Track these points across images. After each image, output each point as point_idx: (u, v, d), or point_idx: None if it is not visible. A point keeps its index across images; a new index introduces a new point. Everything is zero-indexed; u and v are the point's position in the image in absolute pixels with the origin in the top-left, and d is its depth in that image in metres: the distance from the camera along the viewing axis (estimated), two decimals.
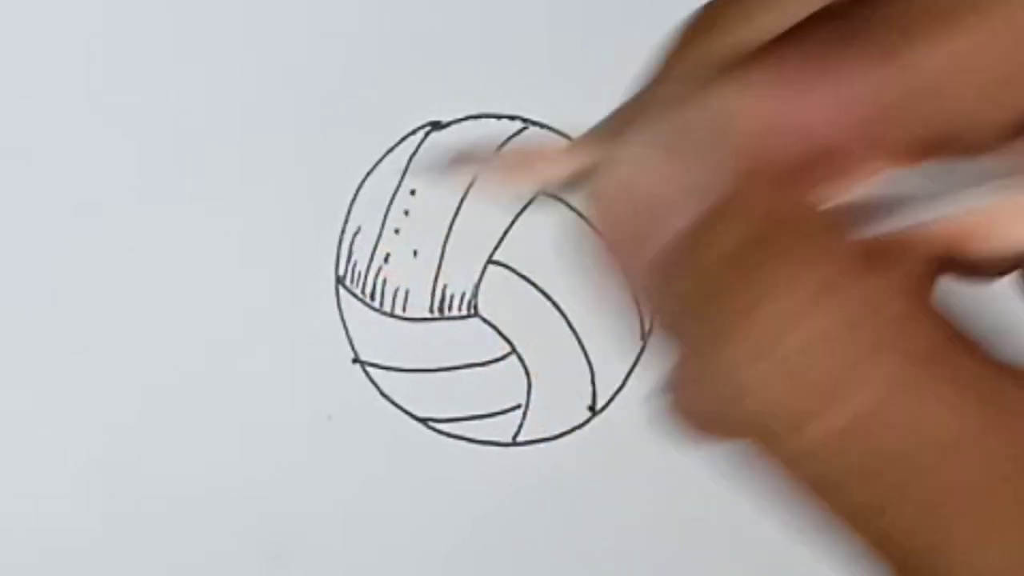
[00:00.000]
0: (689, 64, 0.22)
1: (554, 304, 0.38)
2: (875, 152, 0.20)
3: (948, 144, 0.20)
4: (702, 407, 0.20)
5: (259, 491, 0.37)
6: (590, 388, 0.38)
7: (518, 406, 0.38)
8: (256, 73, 0.37)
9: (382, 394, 0.37)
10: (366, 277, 0.37)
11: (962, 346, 0.19)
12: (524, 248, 0.38)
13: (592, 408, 0.38)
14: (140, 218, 0.36)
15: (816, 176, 0.20)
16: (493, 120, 0.38)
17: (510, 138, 0.38)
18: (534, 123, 0.38)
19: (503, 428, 0.38)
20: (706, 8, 0.23)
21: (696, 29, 0.22)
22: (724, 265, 0.20)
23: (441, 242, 0.38)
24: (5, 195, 0.36)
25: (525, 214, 0.38)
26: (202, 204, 0.37)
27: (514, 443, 0.38)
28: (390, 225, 0.38)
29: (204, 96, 0.36)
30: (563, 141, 0.23)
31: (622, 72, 0.39)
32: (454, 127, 0.38)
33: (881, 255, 0.19)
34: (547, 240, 0.38)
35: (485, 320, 0.38)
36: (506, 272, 0.38)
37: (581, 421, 0.38)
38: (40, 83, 0.36)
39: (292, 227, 0.37)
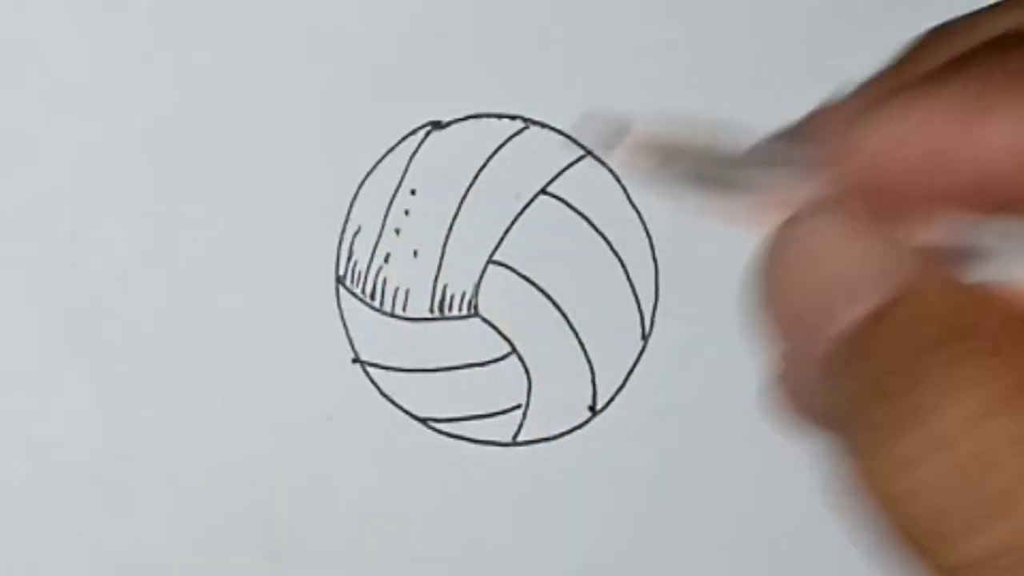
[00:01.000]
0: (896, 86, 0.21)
1: (554, 304, 0.38)
2: None
3: None
4: (862, 506, 0.19)
5: (259, 491, 0.37)
6: (590, 388, 0.38)
7: (518, 406, 0.38)
8: (256, 73, 0.37)
9: (382, 394, 0.37)
10: (366, 277, 0.37)
11: None
12: (524, 248, 0.38)
13: (592, 408, 0.38)
14: (140, 218, 0.36)
15: (987, 206, 0.19)
16: (494, 120, 0.38)
17: (510, 138, 0.38)
18: (535, 123, 0.38)
19: (503, 428, 0.38)
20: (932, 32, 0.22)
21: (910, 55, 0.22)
22: (905, 358, 0.19)
23: (441, 242, 0.38)
24: (5, 195, 0.36)
25: (525, 214, 0.38)
26: (202, 204, 0.37)
27: (514, 443, 0.38)
28: (390, 225, 0.38)
29: (204, 96, 0.36)
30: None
31: (622, 72, 0.40)
32: (454, 127, 0.38)
33: None
34: (548, 240, 0.38)
35: (485, 320, 0.38)
36: (506, 272, 0.38)
37: (581, 421, 0.38)
38: (40, 83, 0.36)
39: (292, 227, 0.37)
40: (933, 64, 0.20)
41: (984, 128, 0.19)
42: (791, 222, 0.20)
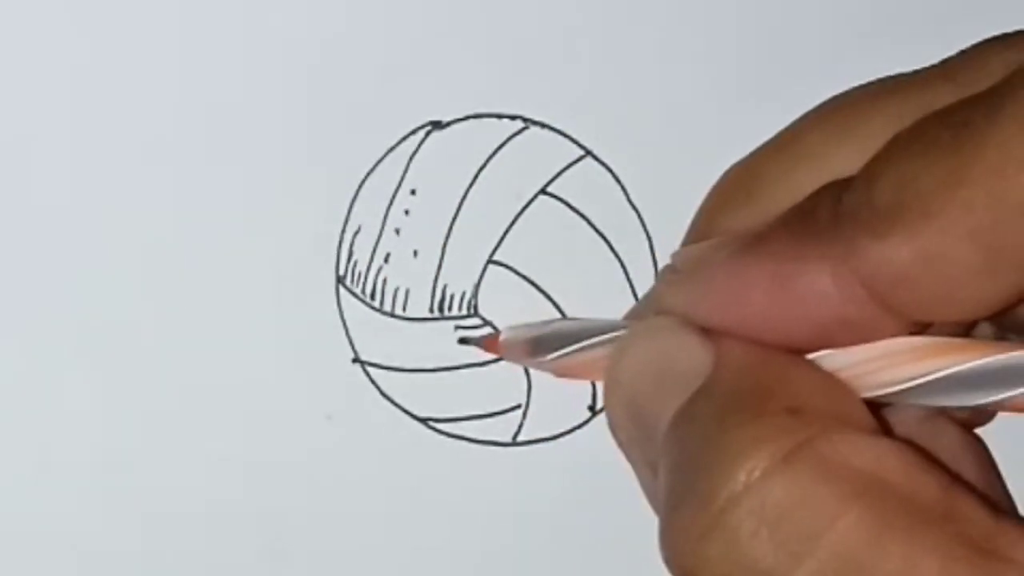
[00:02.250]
0: (717, 229, 0.24)
1: (554, 304, 0.38)
2: (884, 320, 0.21)
3: (943, 316, 0.21)
4: None
5: (259, 491, 0.37)
6: (590, 388, 0.38)
7: (518, 406, 0.38)
8: (256, 73, 0.37)
9: (382, 394, 0.37)
10: (366, 277, 0.37)
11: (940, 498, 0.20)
12: (525, 248, 0.38)
13: (592, 408, 0.38)
14: (139, 218, 0.36)
15: (829, 341, 0.21)
16: (494, 120, 0.38)
17: (510, 138, 0.38)
18: (535, 123, 0.38)
19: (503, 428, 0.38)
20: (729, 174, 0.25)
21: (719, 196, 0.25)
22: (703, 433, 0.21)
23: (441, 242, 0.38)
24: (5, 195, 0.36)
25: (526, 214, 0.38)
26: (202, 203, 0.37)
27: (514, 443, 0.38)
28: (390, 225, 0.38)
29: (204, 96, 0.36)
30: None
31: (623, 72, 0.40)
32: (455, 127, 0.38)
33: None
34: (548, 240, 0.38)
35: (485, 320, 0.38)
36: (506, 272, 0.38)
37: (581, 421, 0.38)
38: (40, 83, 0.36)
39: (292, 227, 0.37)
40: (755, 207, 0.23)
41: (799, 283, 0.21)
42: (633, 335, 0.23)
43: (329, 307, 0.37)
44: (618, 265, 0.38)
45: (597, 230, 0.38)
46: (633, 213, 0.38)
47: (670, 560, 0.21)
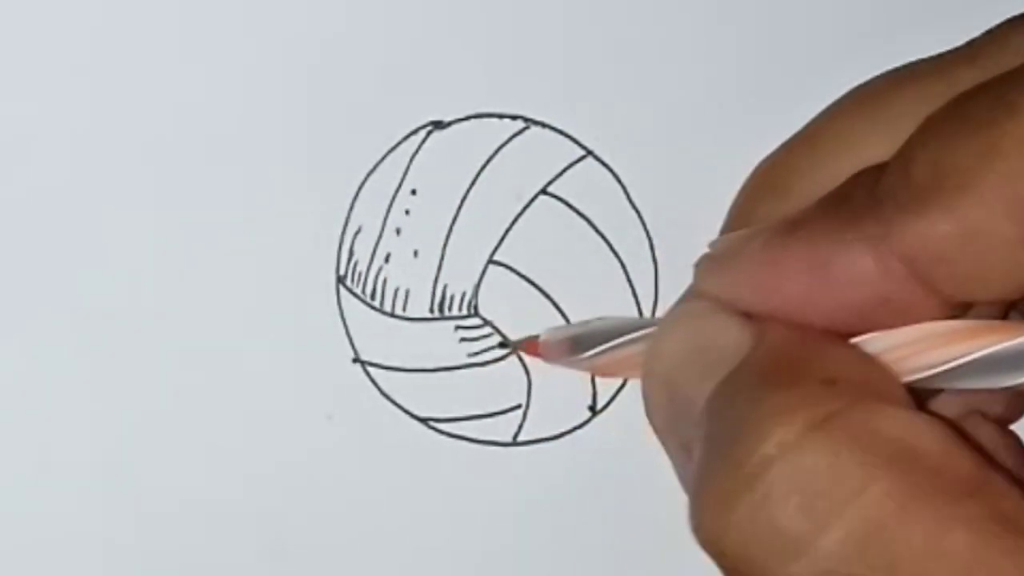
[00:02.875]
0: (754, 219, 0.24)
1: (554, 304, 0.38)
2: (924, 300, 0.21)
3: (983, 293, 0.21)
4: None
5: (259, 491, 0.37)
6: (590, 388, 0.38)
7: (518, 406, 0.38)
8: (257, 73, 0.37)
9: (382, 394, 0.37)
10: (367, 277, 0.37)
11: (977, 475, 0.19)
12: (525, 248, 0.38)
13: (592, 408, 0.38)
14: (139, 217, 0.36)
15: (869, 324, 0.21)
16: (495, 120, 0.38)
17: (511, 138, 0.38)
18: (536, 123, 0.38)
19: (503, 428, 0.38)
20: (765, 164, 0.25)
21: (754, 186, 0.25)
22: (727, 410, 0.21)
23: (442, 242, 0.38)
24: (5, 195, 0.36)
25: (526, 214, 0.38)
26: (202, 203, 0.37)
27: (514, 443, 0.38)
28: (391, 225, 0.38)
29: (204, 95, 0.36)
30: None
31: (624, 72, 0.40)
32: (455, 126, 0.38)
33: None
34: (548, 240, 0.38)
35: (485, 320, 0.38)
36: (507, 272, 0.38)
37: (581, 421, 0.38)
38: (40, 82, 0.36)
39: (292, 227, 0.37)
40: (792, 199, 0.23)
41: (839, 264, 0.22)
42: (671, 318, 0.23)
43: (329, 307, 0.37)
44: (618, 265, 0.38)
45: (598, 230, 0.38)
46: (633, 213, 0.38)
47: (698, 528, 0.21)
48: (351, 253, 0.37)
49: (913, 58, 0.26)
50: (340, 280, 0.37)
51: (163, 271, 0.36)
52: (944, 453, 0.20)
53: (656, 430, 0.24)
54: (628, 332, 0.26)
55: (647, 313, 0.38)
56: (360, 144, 0.37)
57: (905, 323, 0.22)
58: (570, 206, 0.38)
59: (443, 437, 0.37)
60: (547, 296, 0.38)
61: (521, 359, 0.38)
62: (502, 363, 0.38)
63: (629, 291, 0.38)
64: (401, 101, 0.37)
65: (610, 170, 0.38)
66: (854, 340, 0.23)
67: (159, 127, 0.36)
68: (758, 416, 0.20)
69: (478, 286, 0.38)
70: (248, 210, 0.37)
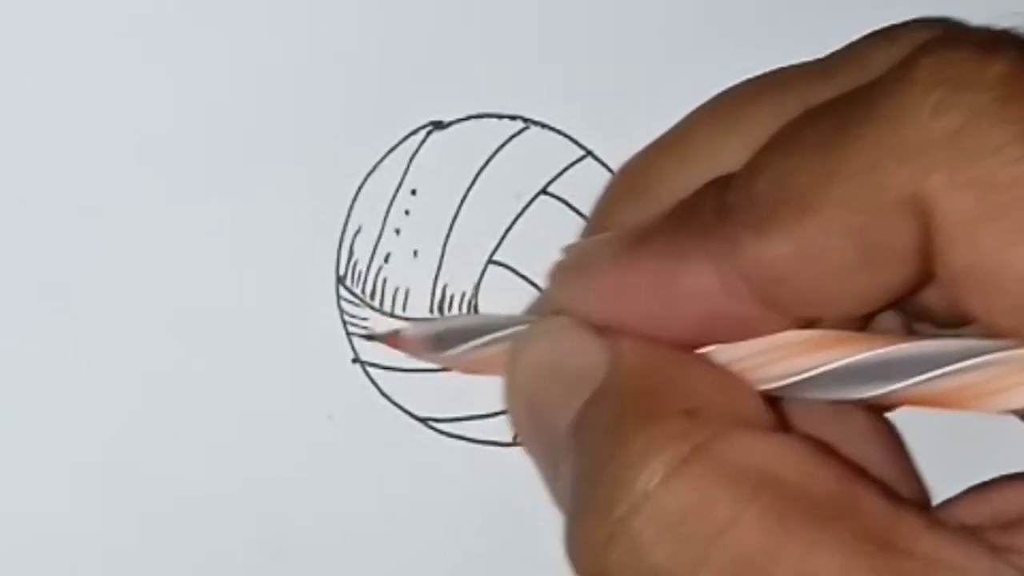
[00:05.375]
0: (609, 225, 0.24)
1: None
2: (768, 318, 0.21)
3: (825, 312, 0.21)
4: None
5: (259, 491, 0.37)
6: None
7: None
8: (256, 73, 0.37)
9: (382, 394, 0.37)
10: (366, 277, 0.37)
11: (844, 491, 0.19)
12: (525, 248, 0.38)
13: None
14: (139, 218, 0.36)
15: (717, 339, 0.21)
16: (495, 120, 0.38)
17: (511, 138, 0.38)
18: (535, 123, 0.38)
19: (503, 428, 0.37)
20: (623, 171, 0.25)
21: (611, 193, 0.25)
22: (601, 440, 0.21)
23: (442, 242, 0.38)
24: (5, 195, 0.36)
25: (526, 214, 0.38)
26: (202, 204, 0.37)
27: (514, 443, 0.38)
28: (391, 225, 0.38)
29: (204, 95, 0.36)
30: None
31: (624, 72, 0.40)
32: (455, 127, 0.38)
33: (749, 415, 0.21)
34: (548, 240, 0.38)
35: None
36: (507, 272, 0.38)
37: None
38: (40, 82, 0.36)
39: (292, 227, 0.37)
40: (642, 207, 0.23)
41: (683, 280, 0.21)
42: (529, 334, 0.23)
43: (329, 307, 0.37)
44: None
45: None
46: None
47: (575, 567, 0.21)
48: (351, 253, 0.37)
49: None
50: (340, 280, 0.37)
51: (163, 271, 0.36)
52: (806, 475, 0.20)
53: (520, 440, 0.24)
54: (494, 330, 0.26)
55: None
56: (360, 144, 0.37)
57: (752, 337, 0.22)
58: (570, 206, 0.38)
59: (443, 437, 0.37)
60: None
61: None
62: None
63: None
64: (401, 101, 0.37)
65: (610, 170, 0.38)
66: (708, 349, 0.22)
67: (159, 127, 0.36)
68: (621, 456, 0.20)
69: (478, 286, 0.38)
70: (248, 210, 0.37)
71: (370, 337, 0.37)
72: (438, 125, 0.38)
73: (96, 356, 0.36)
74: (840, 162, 0.20)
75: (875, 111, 0.20)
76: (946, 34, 0.21)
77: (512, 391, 0.24)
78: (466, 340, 0.26)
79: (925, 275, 0.20)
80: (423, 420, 0.37)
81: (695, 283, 0.21)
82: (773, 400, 0.22)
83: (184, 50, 0.36)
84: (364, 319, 0.37)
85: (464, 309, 0.38)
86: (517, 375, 0.24)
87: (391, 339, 0.29)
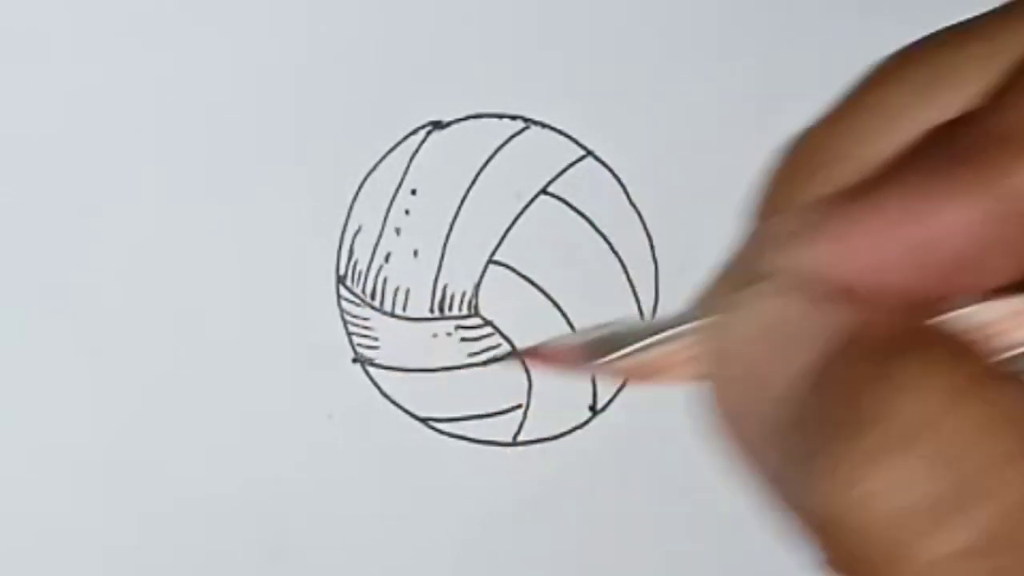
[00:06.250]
0: (798, 198, 0.22)
1: (554, 304, 0.38)
2: (1010, 261, 0.19)
3: None
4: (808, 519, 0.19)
5: (259, 491, 0.37)
6: (590, 388, 0.38)
7: (518, 406, 0.38)
8: (256, 73, 0.37)
9: (382, 394, 0.37)
10: (367, 276, 0.37)
11: None
12: (525, 248, 0.38)
13: (592, 408, 0.38)
14: (140, 218, 0.36)
15: (955, 289, 0.20)
16: (495, 120, 0.38)
17: (511, 138, 0.38)
18: (535, 123, 0.38)
19: (503, 428, 0.38)
20: (802, 140, 0.23)
21: (795, 163, 0.23)
22: (851, 379, 0.19)
23: (442, 242, 0.38)
24: (5, 195, 0.36)
25: (526, 214, 0.38)
26: (202, 204, 0.37)
27: (514, 443, 0.38)
28: (391, 224, 0.38)
29: (204, 96, 0.36)
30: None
31: (624, 72, 0.40)
32: (455, 126, 0.38)
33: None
34: (548, 240, 0.38)
35: (486, 320, 0.38)
36: (507, 272, 0.38)
37: (581, 421, 0.38)
38: (40, 82, 0.36)
39: (292, 227, 0.37)
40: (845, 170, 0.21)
41: (938, 220, 0.20)
42: (742, 301, 0.21)
43: (329, 307, 0.37)
44: (618, 265, 0.38)
45: (598, 230, 0.38)
46: (634, 213, 0.38)
47: (823, 508, 0.19)
48: (351, 253, 0.37)
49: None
50: (340, 280, 0.37)
51: (164, 271, 0.36)
52: None
53: (720, 425, 0.22)
54: (660, 331, 0.24)
55: (647, 315, 0.38)
56: (360, 144, 0.37)
57: (1000, 281, 0.21)
58: (570, 206, 0.38)
59: (443, 437, 0.37)
60: (547, 296, 0.38)
61: (522, 359, 0.38)
62: (502, 363, 0.38)
63: (629, 291, 0.38)
64: (401, 101, 0.37)
65: (610, 170, 0.38)
66: (945, 318, 0.21)
67: (159, 127, 0.36)
68: (897, 377, 0.19)
69: (478, 286, 0.38)
70: (248, 210, 0.37)
71: (494, 360, 0.36)
72: (438, 125, 0.38)
73: (96, 356, 0.36)
74: None
75: None
76: None
77: (719, 361, 0.22)
78: (624, 345, 0.25)
79: None
80: (423, 420, 0.37)
81: (952, 219, 0.20)
82: None
83: (184, 50, 0.36)
84: (364, 319, 0.37)
85: (464, 309, 0.38)
86: (728, 342, 0.22)
87: (533, 354, 0.27)
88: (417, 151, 0.38)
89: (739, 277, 0.23)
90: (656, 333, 0.24)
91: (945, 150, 0.20)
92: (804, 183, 0.22)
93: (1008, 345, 0.21)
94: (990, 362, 0.19)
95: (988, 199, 0.19)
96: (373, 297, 0.37)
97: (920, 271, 0.20)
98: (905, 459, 0.18)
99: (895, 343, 0.19)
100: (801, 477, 0.19)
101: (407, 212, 0.38)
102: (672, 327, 0.24)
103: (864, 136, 0.22)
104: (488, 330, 0.38)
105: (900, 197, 0.20)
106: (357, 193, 0.37)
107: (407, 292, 0.38)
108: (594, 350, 0.25)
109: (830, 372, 0.20)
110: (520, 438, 0.38)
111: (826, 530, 0.19)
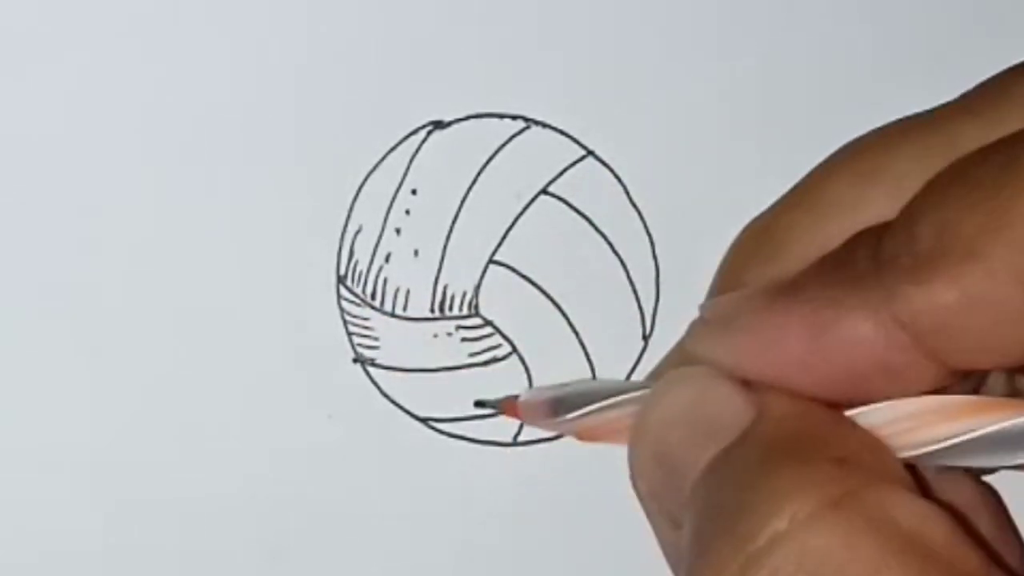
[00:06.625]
0: (741, 284, 0.23)
1: (555, 304, 0.38)
2: (924, 367, 0.20)
3: (987, 362, 0.20)
4: None
5: (259, 491, 0.37)
6: None
7: None
8: (256, 73, 0.37)
9: (382, 394, 0.37)
10: (367, 276, 0.37)
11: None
12: (526, 248, 0.38)
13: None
14: (140, 218, 0.36)
15: (866, 391, 0.21)
16: (495, 119, 0.38)
17: (512, 138, 0.38)
18: (536, 123, 0.38)
19: (503, 428, 0.38)
20: (754, 227, 0.25)
21: (742, 250, 0.24)
22: (737, 484, 0.20)
23: (442, 242, 0.38)
24: (5, 195, 0.36)
25: (526, 214, 0.38)
26: (202, 203, 0.37)
27: (514, 443, 0.38)
28: (391, 224, 0.38)
29: (204, 95, 0.36)
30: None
31: (624, 72, 0.40)
32: (456, 126, 0.38)
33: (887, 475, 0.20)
34: (549, 240, 0.38)
35: (486, 320, 0.38)
36: (507, 272, 0.38)
37: None
38: (40, 82, 0.36)
39: (292, 227, 0.37)
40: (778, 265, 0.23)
41: (839, 329, 0.21)
42: (667, 384, 0.23)
43: (329, 307, 0.37)
44: (619, 265, 0.38)
45: (598, 230, 0.38)
46: (634, 213, 0.38)
47: None
48: (351, 253, 0.37)
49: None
50: (340, 280, 0.37)
51: (163, 271, 0.36)
52: (954, 547, 0.19)
53: (640, 497, 0.24)
54: (613, 395, 0.25)
55: (647, 315, 0.38)
56: (360, 144, 0.37)
57: (905, 390, 0.22)
58: (570, 206, 0.38)
59: (443, 437, 0.37)
60: (547, 296, 0.38)
61: (522, 359, 0.38)
62: (502, 363, 0.38)
63: (629, 291, 0.38)
64: (401, 101, 0.37)
65: (610, 170, 0.38)
66: (850, 413, 0.22)
67: (159, 127, 0.36)
68: (768, 490, 0.20)
69: (479, 286, 0.38)
70: (248, 210, 0.37)
71: (480, 404, 0.37)
72: (439, 125, 0.38)
73: (96, 356, 0.36)
74: (1006, 208, 0.20)
75: None
76: None
77: (641, 439, 0.24)
78: (585, 404, 0.26)
79: None
80: (423, 420, 0.37)
81: (852, 331, 0.21)
82: (909, 467, 0.22)
83: (184, 50, 0.36)
84: (365, 319, 0.37)
85: (465, 309, 0.38)
86: (649, 426, 0.24)
87: (508, 405, 0.29)
88: (418, 151, 0.38)
89: (678, 356, 0.25)
90: (609, 397, 0.25)
91: (851, 265, 0.21)
92: (747, 270, 0.24)
93: (915, 443, 0.22)
94: (876, 470, 0.20)
95: (882, 319, 0.20)
96: (373, 297, 0.37)
97: (824, 375, 0.21)
98: (768, 569, 0.19)
99: (786, 446, 0.20)
100: (683, 570, 0.21)
101: (407, 212, 0.38)
102: (624, 393, 0.25)
103: (809, 226, 0.23)
104: (488, 330, 0.38)
105: (809, 304, 0.21)
106: (357, 193, 0.37)
107: (407, 292, 0.38)
108: (554, 408, 0.27)
109: (723, 471, 0.21)
110: (520, 438, 0.38)
111: None
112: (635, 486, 0.24)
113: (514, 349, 0.38)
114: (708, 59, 0.38)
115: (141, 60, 0.36)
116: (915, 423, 0.22)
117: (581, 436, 0.26)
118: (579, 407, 0.26)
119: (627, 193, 0.38)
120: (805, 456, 0.20)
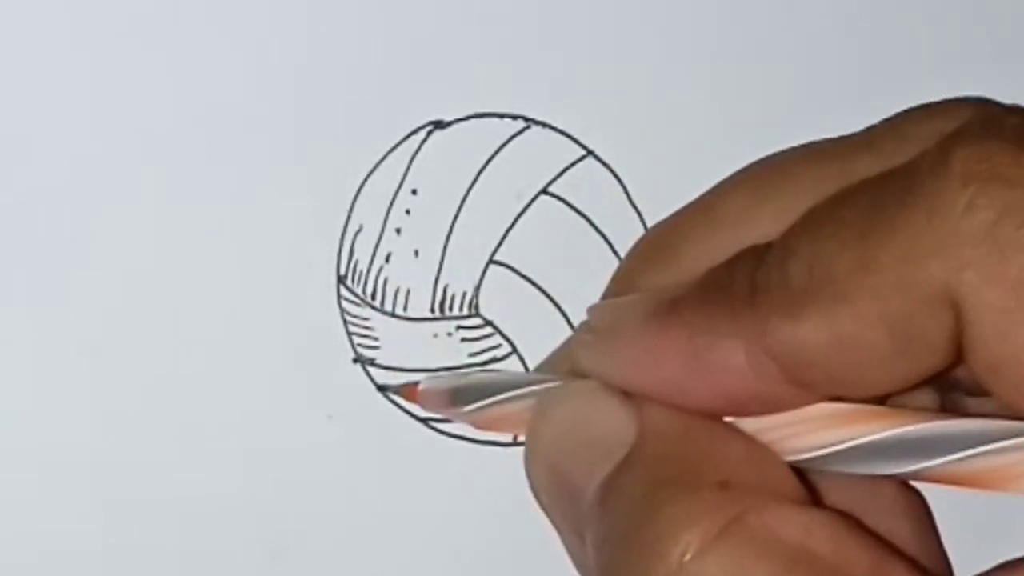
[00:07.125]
0: (633, 291, 0.24)
1: (555, 304, 0.38)
2: (796, 397, 0.21)
3: (856, 394, 0.21)
4: None
5: (259, 491, 0.37)
6: None
7: None
8: (256, 73, 0.37)
9: (383, 394, 0.37)
10: (367, 276, 0.37)
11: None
12: (525, 248, 0.38)
13: None
14: (140, 218, 0.36)
15: (744, 412, 0.22)
16: (496, 119, 0.38)
17: (512, 138, 0.38)
18: (536, 123, 0.38)
19: None
20: (651, 234, 0.25)
21: (639, 256, 0.25)
22: (633, 507, 0.21)
23: (442, 242, 0.38)
24: (5, 195, 0.36)
25: (526, 214, 0.38)
26: (202, 203, 0.37)
27: (515, 443, 0.38)
28: (392, 224, 0.38)
29: (204, 96, 0.36)
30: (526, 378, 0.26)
31: (624, 72, 0.40)
32: (456, 126, 0.38)
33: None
34: (548, 240, 0.38)
35: (486, 320, 0.38)
36: (507, 272, 0.38)
37: None
38: (41, 83, 0.36)
39: (293, 227, 0.37)
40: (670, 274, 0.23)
41: (712, 356, 0.21)
42: (554, 398, 0.23)
43: (330, 307, 0.37)
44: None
45: (598, 230, 0.38)
46: (634, 213, 0.38)
47: None
48: (351, 253, 0.37)
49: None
50: (341, 280, 0.37)
51: (164, 271, 0.36)
52: (840, 552, 0.20)
53: (542, 508, 0.24)
54: (510, 388, 0.26)
55: None
56: (360, 144, 0.37)
57: (779, 412, 0.22)
58: (570, 206, 0.38)
59: (443, 437, 0.37)
60: (547, 296, 0.38)
61: (522, 358, 0.38)
62: (502, 363, 0.38)
63: None
64: (401, 101, 0.37)
65: (610, 170, 0.38)
66: (733, 419, 0.22)
67: (159, 127, 0.36)
68: (655, 525, 0.20)
69: (479, 286, 0.38)
70: (249, 210, 0.37)
71: (383, 388, 0.37)
72: (439, 124, 0.38)
73: (96, 356, 0.36)
74: (875, 252, 0.20)
75: (911, 200, 0.20)
76: (984, 118, 0.21)
77: (535, 454, 0.24)
78: (483, 396, 0.26)
79: (957, 359, 0.20)
80: (423, 420, 0.37)
81: (724, 359, 0.21)
82: (801, 470, 0.22)
83: (184, 50, 0.36)
84: (365, 319, 0.37)
85: (465, 309, 0.38)
86: (541, 438, 0.24)
87: (408, 391, 0.29)
88: (418, 151, 0.38)
89: (567, 359, 0.25)
90: (510, 389, 0.25)
91: (728, 289, 0.22)
92: (640, 274, 0.24)
93: (799, 448, 0.22)
94: (759, 487, 0.20)
95: (753, 350, 0.20)
96: (373, 297, 0.37)
97: (701, 396, 0.21)
98: None
99: (670, 472, 0.21)
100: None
101: (408, 212, 0.38)
102: (519, 387, 0.25)
103: (702, 236, 0.24)
104: (488, 330, 0.38)
105: (685, 329, 0.22)
106: (358, 193, 0.37)
107: (407, 292, 0.38)
108: (454, 397, 0.27)
109: (613, 498, 0.21)
110: (520, 438, 0.38)
111: None
112: (535, 498, 0.24)
113: (514, 349, 0.38)
114: (708, 59, 0.38)
115: (141, 60, 0.36)
116: (800, 429, 0.22)
117: (478, 426, 0.27)
118: (476, 399, 0.26)
119: (627, 193, 0.38)
120: (688, 482, 0.21)
